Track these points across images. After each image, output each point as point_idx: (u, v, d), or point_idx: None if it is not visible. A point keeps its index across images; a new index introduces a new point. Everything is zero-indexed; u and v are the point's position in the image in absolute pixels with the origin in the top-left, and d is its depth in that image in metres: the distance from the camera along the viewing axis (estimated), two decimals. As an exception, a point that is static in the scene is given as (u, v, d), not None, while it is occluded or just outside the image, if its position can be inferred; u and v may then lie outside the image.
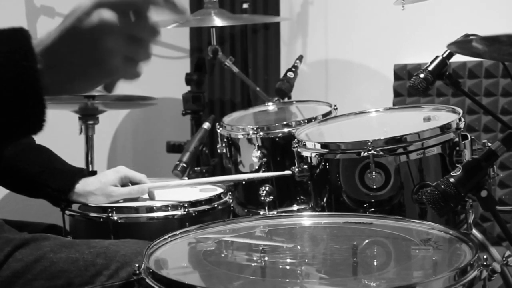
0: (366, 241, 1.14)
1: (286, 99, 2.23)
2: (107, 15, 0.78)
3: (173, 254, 1.10)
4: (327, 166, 1.45)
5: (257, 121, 2.05)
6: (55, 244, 1.25)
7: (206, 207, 1.50)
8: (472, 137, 1.44)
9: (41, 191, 1.50)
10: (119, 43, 0.79)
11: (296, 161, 1.53)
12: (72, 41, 0.79)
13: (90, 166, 2.19)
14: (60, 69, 0.80)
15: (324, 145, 1.46)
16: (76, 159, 1.60)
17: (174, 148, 2.43)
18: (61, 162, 1.56)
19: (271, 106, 2.15)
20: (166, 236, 1.14)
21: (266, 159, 1.79)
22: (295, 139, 1.55)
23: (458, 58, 1.53)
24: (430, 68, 1.52)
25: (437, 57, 1.54)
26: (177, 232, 1.17)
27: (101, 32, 0.78)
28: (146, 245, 1.08)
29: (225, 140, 1.90)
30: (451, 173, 1.18)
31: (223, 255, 1.12)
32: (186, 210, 1.45)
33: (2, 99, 0.78)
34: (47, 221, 1.57)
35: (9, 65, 0.77)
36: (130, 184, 1.56)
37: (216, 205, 1.53)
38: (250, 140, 1.82)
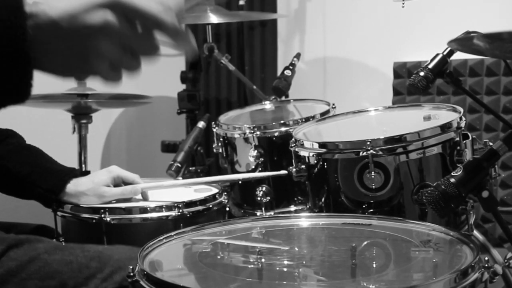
0: (365, 242, 1.14)
1: (283, 98, 2.23)
2: (113, 19, 0.76)
3: (168, 256, 1.10)
4: (325, 166, 1.45)
5: (254, 120, 2.05)
6: (49, 246, 1.25)
7: (201, 207, 1.50)
8: (473, 137, 1.44)
9: (31, 192, 1.49)
10: (110, 49, 0.77)
11: (293, 161, 1.53)
12: (69, 27, 0.77)
13: (83, 166, 2.18)
14: (48, 47, 0.78)
15: (322, 145, 1.46)
16: (69, 159, 1.59)
17: (169, 147, 2.44)
18: (51, 161, 1.54)
19: (268, 105, 2.15)
20: (161, 238, 1.13)
21: (263, 159, 1.79)
22: (293, 139, 1.54)
23: (459, 55, 1.53)
24: (430, 66, 1.52)
25: (437, 54, 1.54)
26: (172, 233, 1.16)
27: (98, 32, 0.76)
28: None
29: (221, 139, 1.90)
30: (452, 173, 1.18)
31: (219, 257, 1.12)
32: (181, 211, 1.45)
33: None
34: (38, 223, 1.56)
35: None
36: (123, 185, 1.55)
37: (211, 206, 1.53)
38: (246, 140, 1.82)
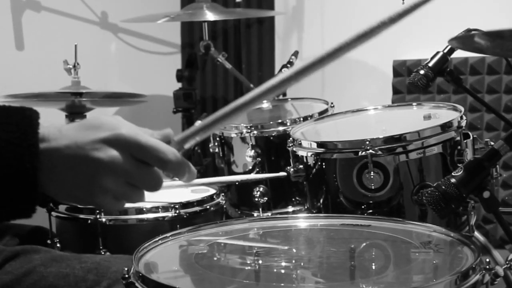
0: (364, 243, 1.13)
1: (281, 97, 2.22)
2: (118, 156, 0.77)
3: (163, 257, 1.09)
4: (324, 166, 1.44)
5: (251, 119, 2.03)
6: (45, 258, 1.24)
7: (198, 208, 1.50)
8: (474, 136, 1.43)
9: None
10: (115, 186, 0.79)
11: (291, 160, 1.52)
12: (74, 158, 0.78)
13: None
14: (51, 174, 0.79)
15: (320, 144, 1.45)
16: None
17: (165, 147, 2.42)
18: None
19: (265, 104, 2.14)
20: (157, 239, 1.12)
21: (260, 159, 1.78)
22: (290, 138, 1.54)
23: (459, 53, 1.54)
24: (430, 64, 1.52)
25: (437, 52, 1.54)
26: (168, 234, 1.15)
27: (103, 169, 0.77)
28: None
29: (217, 139, 1.89)
30: (452, 173, 1.18)
31: (215, 258, 1.11)
32: (177, 211, 1.45)
33: None
34: (33, 223, 1.53)
35: (8, 156, 0.77)
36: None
37: (208, 207, 1.53)
38: (243, 139, 1.81)
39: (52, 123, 0.81)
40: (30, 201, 0.79)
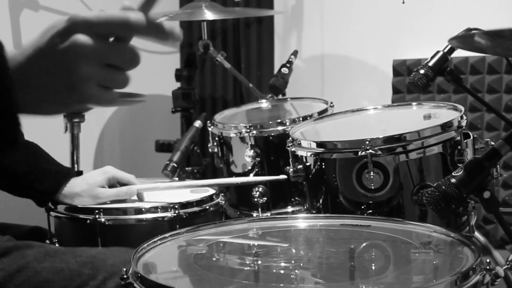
0: (364, 244, 1.13)
1: (280, 96, 2.22)
2: (83, 38, 0.75)
3: (162, 258, 1.09)
4: (323, 166, 1.44)
5: (250, 119, 2.04)
6: (39, 253, 1.22)
7: (197, 208, 1.48)
8: (475, 136, 1.43)
9: (26, 192, 1.47)
10: (93, 70, 0.76)
11: (290, 160, 1.52)
12: (44, 63, 0.76)
13: (75, 166, 2.18)
14: (31, 90, 0.76)
15: (320, 144, 1.45)
16: (61, 159, 1.57)
17: (163, 147, 2.44)
18: (48, 161, 1.52)
19: (264, 104, 2.14)
20: (156, 239, 1.12)
21: (259, 159, 1.78)
22: (290, 138, 1.53)
23: (459, 53, 1.54)
24: (430, 64, 1.52)
25: (438, 52, 1.54)
26: (167, 234, 1.15)
27: (74, 56, 0.75)
28: None
29: (216, 139, 1.89)
30: (453, 173, 1.17)
31: (214, 259, 1.11)
32: (177, 212, 1.43)
33: None
34: (31, 223, 1.54)
35: None
36: (118, 185, 1.53)
37: (207, 207, 1.51)
38: (242, 139, 1.81)
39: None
40: (13, 126, 0.76)
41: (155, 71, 2.90)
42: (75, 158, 2.16)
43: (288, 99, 2.17)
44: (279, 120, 1.80)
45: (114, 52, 0.77)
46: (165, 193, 1.59)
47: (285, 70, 2.23)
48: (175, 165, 1.77)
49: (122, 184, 1.53)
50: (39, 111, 0.79)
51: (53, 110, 0.80)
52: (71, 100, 0.78)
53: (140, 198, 1.54)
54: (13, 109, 0.75)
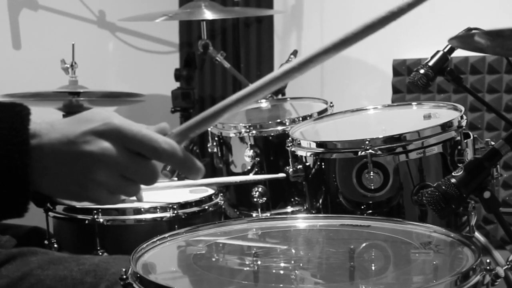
0: (364, 244, 1.12)
1: (280, 96, 2.22)
2: (111, 150, 0.75)
3: (161, 258, 1.08)
4: (323, 166, 1.44)
5: (250, 119, 2.03)
6: (42, 260, 1.22)
7: (196, 209, 1.48)
8: (475, 136, 1.43)
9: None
10: (109, 180, 0.77)
11: (290, 160, 1.52)
12: (65, 153, 0.76)
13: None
14: (45, 171, 0.77)
15: (319, 144, 1.45)
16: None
17: (163, 147, 2.41)
18: None
19: (264, 103, 2.13)
20: (155, 239, 1.11)
21: (259, 159, 1.78)
22: (289, 138, 1.53)
23: (459, 53, 1.54)
24: (430, 64, 1.52)
25: (438, 51, 1.53)
26: (166, 235, 1.14)
27: (96, 162, 0.75)
28: None
29: (216, 138, 1.88)
30: (453, 173, 1.18)
31: (214, 259, 1.10)
32: (176, 212, 1.43)
33: None
34: (30, 223, 1.52)
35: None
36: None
37: (207, 207, 1.51)
38: (242, 139, 1.80)
39: (45, 119, 0.79)
40: (22, 199, 0.78)
41: (155, 71, 2.90)
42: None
43: (288, 99, 2.16)
44: (278, 120, 1.79)
45: (134, 167, 0.77)
46: (164, 193, 1.58)
47: (285, 65, 2.23)
48: (175, 165, 1.77)
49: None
50: (46, 192, 0.80)
51: (60, 196, 0.83)
52: (78, 196, 0.79)
53: (139, 198, 1.53)
54: (26, 185, 0.76)
